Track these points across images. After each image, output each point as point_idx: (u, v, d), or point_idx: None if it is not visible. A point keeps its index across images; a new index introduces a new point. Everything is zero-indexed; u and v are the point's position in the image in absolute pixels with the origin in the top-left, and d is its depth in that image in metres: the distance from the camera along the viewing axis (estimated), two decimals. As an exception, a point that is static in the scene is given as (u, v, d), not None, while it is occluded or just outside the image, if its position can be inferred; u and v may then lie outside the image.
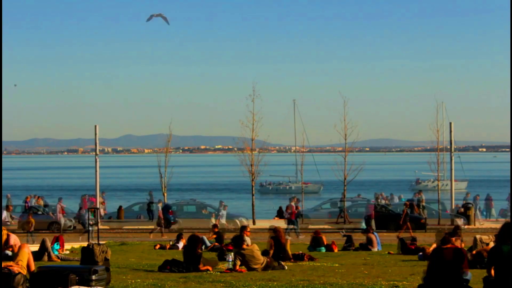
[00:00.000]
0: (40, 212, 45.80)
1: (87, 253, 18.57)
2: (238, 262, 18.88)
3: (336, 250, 28.42)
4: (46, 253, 23.91)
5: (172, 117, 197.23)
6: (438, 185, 52.96)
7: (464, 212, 46.84)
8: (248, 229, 24.90)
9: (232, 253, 20.04)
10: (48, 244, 24.50)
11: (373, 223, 42.61)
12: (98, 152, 48.18)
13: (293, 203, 43.76)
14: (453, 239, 14.21)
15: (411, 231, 39.19)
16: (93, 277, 13.76)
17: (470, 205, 47.47)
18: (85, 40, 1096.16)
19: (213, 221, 43.24)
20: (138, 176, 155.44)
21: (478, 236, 23.96)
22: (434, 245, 23.00)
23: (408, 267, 20.16)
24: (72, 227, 44.46)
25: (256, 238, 31.03)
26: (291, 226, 41.52)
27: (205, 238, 29.53)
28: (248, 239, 23.40)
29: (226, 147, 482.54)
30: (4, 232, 19.47)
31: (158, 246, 30.12)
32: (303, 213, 47.06)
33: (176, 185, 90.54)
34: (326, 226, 45.21)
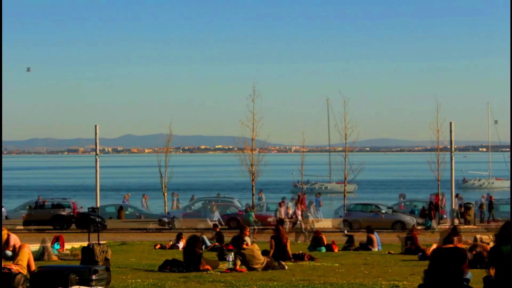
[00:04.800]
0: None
1: (87, 253, 18.55)
2: (239, 262, 18.89)
3: (336, 250, 28.43)
4: (46, 253, 23.91)
5: (172, 117, 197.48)
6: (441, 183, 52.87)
7: (464, 212, 46.83)
8: (248, 229, 24.91)
9: (232, 253, 20.05)
10: (48, 243, 24.50)
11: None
12: (98, 152, 48.20)
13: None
14: (455, 239, 14.20)
15: None
16: (93, 277, 13.75)
17: (470, 205, 47.45)
18: (85, 40, 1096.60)
19: None
20: (138, 176, 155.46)
21: (478, 236, 23.98)
22: (435, 245, 23.01)
23: (408, 267, 20.16)
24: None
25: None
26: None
27: (205, 238, 29.60)
28: (248, 239, 23.42)
29: (226, 147, 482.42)
30: (5, 232, 19.49)
31: (158, 246, 30.15)
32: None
33: (176, 185, 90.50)
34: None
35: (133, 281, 15.80)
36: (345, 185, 52.18)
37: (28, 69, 70.35)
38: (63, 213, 46.53)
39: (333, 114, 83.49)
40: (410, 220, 43.77)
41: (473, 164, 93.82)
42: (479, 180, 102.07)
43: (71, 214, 46.43)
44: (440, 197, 50.57)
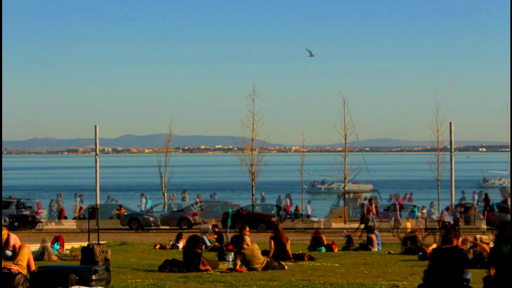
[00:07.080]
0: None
1: (87, 253, 18.54)
2: (239, 262, 18.87)
3: (336, 250, 28.43)
4: (46, 253, 23.89)
5: (172, 117, 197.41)
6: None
7: (464, 211, 46.82)
8: (248, 229, 24.86)
9: (232, 253, 20.02)
10: (48, 243, 24.48)
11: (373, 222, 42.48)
12: (98, 152, 48.22)
13: None
14: (454, 239, 14.18)
15: None
16: (93, 277, 13.74)
17: (469, 205, 47.47)
18: (85, 40, 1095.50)
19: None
20: (138, 176, 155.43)
21: (478, 236, 23.96)
22: (434, 245, 23.00)
23: (408, 267, 20.15)
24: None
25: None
26: None
27: (205, 238, 29.56)
28: (248, 239, 23.37)
29: (226, 147, 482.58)
30: (5, 232, 19.47)
31: (158, 246, 30.15)
32: None
33: (176, 185, 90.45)
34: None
35: (133, 281, 15.79)
36: (345, 185, 52.13)
37: (311, 54, 67.75)
38: (26, 213, 46.43)
39: (349, 114, 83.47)
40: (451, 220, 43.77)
41: (493, 164, 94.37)
42: (500, 179, 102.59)
43: (34, 214, 46.41)
44: (394, 198, 50.94)
